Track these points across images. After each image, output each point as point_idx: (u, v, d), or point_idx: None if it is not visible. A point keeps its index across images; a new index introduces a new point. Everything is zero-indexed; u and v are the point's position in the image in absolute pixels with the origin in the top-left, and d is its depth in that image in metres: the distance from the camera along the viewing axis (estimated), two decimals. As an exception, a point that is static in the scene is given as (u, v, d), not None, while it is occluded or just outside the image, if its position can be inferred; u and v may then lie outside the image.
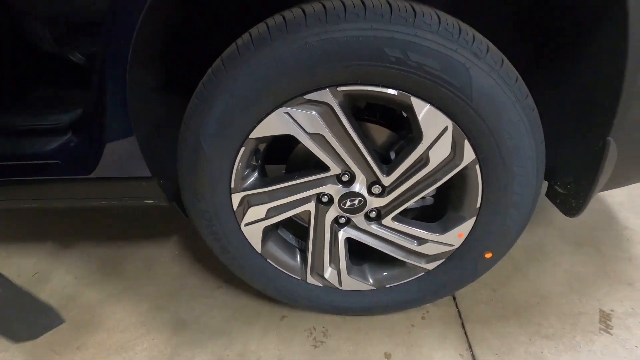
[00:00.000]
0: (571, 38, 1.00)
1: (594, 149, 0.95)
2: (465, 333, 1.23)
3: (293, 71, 0.84)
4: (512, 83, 0.86)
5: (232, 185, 1.01)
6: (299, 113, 0.90)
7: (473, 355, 1.17)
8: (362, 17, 0.80)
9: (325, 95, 0.87)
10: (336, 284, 1.19)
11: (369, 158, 0.96)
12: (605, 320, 1.24)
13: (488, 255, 1.09)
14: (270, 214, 1.07)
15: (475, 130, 0.89)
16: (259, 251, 1.14)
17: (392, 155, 1.07)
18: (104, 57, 0.93)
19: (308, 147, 0.94)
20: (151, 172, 1.09)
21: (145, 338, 1.29)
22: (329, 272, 1.17)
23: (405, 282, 1.19)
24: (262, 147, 1.03)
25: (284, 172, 1.19)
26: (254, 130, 0.92)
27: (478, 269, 1.14)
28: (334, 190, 1.03)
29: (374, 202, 1.05)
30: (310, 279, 1.20)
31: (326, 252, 1.14)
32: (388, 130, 1.07)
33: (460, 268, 1.13)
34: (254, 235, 1.11)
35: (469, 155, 0.92)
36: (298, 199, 1.05)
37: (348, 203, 1.04)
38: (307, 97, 0.87)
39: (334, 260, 1.16)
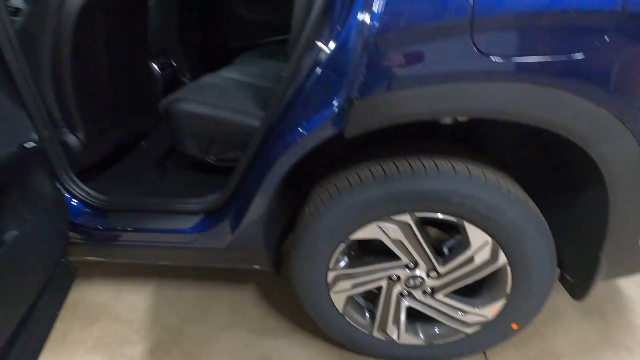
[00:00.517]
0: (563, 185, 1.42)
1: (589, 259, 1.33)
2: (494, 382, 1.59)
3: (387, 203, 1.26)
4: (528, 211, 1.25)
5: (330, 266, 1.42)
6: (386, 226, 1.31)
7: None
8: (437, 175, 1.21)
9: (406, 217, 1.28)
10: (395, 338, 1.57)
11: (430, 254, 1.36)
12: (605, 379, 1.58)
13: (514, 326, 1.46)
14: (354, 287, 1.47)
15: (506, 244, 1.28)
16: (341, 311, 1.54)
17: (445, 250, 1.47)
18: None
19: (390, 247, 1.35)
20: (265, 247, 1.51)
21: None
22: (390, 329, 1.56)
23: (449, 341, 1.56)
24: (354, 243, 1.43)
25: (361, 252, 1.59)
26: (354, 234, 1.34)
27: (506, 335, 1.51)
28: (403, 273, 1.43)
29: (431, 283, 1.44)
30: (375, 333, 1.58)
31: (391, 315, 1.52)
32: (443, 232, 1.47)
33: (492, 333, 1.51)
34: (339, 300, 1.51)
35: (502, 259, 1.31)
36: (376, 278, 1.45)
37: (411, 282, 1.44)
38: (393, 217, 1.29)
39: (396, 321, 1.54)
